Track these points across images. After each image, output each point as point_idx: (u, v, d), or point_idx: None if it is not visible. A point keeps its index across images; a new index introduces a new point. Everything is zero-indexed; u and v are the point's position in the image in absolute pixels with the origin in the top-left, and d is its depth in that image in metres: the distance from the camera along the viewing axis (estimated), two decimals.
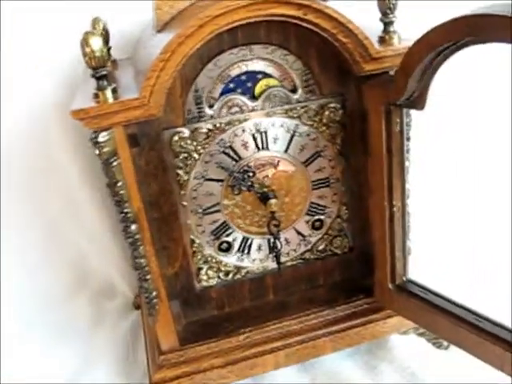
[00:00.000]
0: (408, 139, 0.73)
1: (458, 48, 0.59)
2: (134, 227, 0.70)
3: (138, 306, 1.04)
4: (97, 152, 0.65)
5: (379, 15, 0.70)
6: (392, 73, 0.69)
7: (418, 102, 0.65)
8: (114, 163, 0.66)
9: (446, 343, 0.87)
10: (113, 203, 0.69)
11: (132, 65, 0.81)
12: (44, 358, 0.96)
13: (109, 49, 0.86)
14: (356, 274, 0.85)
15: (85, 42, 0.60)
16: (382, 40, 0.70)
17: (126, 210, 0.68)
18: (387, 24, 0.69)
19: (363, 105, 0.72)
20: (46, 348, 0.98)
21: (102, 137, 0.64)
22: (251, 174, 0.76)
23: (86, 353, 0.96)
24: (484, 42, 0.55)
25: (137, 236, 0.70)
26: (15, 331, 1.02)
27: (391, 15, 0.69)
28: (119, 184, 0.67)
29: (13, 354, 0.98)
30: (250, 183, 0.76)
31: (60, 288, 1.09)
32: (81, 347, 0.97)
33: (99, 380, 0.90)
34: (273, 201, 0.76)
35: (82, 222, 1.09)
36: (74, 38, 0.70)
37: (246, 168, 0.75)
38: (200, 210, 0.76)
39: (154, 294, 0.74)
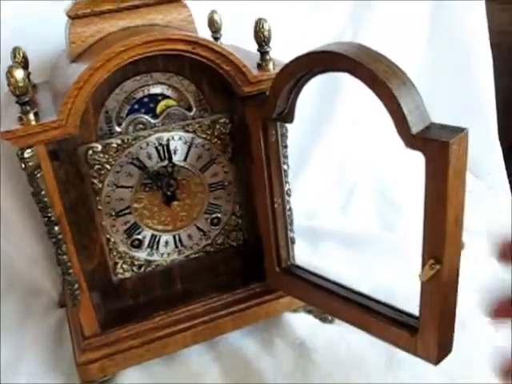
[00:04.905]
0: (285, 147, 0.88)
1: (313, 75, 0.74)
2: (56, 229, 0.81)
3: (62, 305, 1.15)
4: (23, 166, 0.76)
5: None
6: (268, 93, 0.84)
7: (288, 117, 0.81)
8: (38, 175, 0.77)
9: (330, 317, 1.01)
10: (37, 209, 0.81)
11: (50, 89, 0.93)
12: None
13: (28, 74, 0.98)
14: (250, 262, 0.98)
15: (9, 74, 0.72)
16: (259, 66, 0.84)
17: (49, 215, 0.80)
18: (263, 53, 0.84)
19: (246, 120, 0.86)
20: None
21: (27, 153, 0.75)
22: (162, 177, 0.88)
23: (17, 344, 1.05)
24: (330, 71, 0.71)
25: (59, 236, 0.82)
26: None
27: (266, 46, 0.84)
28: (42, 192, 0.78)
29: None
30: (159, 184, 0.89)
31: None
32: (11, 340, 1.07)
33: (31, 367, 1.00)
34: (175, 202, 0.90)
35: (9, 230, 1.20)
36: None
37: (160, 171, 0.88)
38: (113, 213, 0.88)
39: (76, 286, 0.85)
